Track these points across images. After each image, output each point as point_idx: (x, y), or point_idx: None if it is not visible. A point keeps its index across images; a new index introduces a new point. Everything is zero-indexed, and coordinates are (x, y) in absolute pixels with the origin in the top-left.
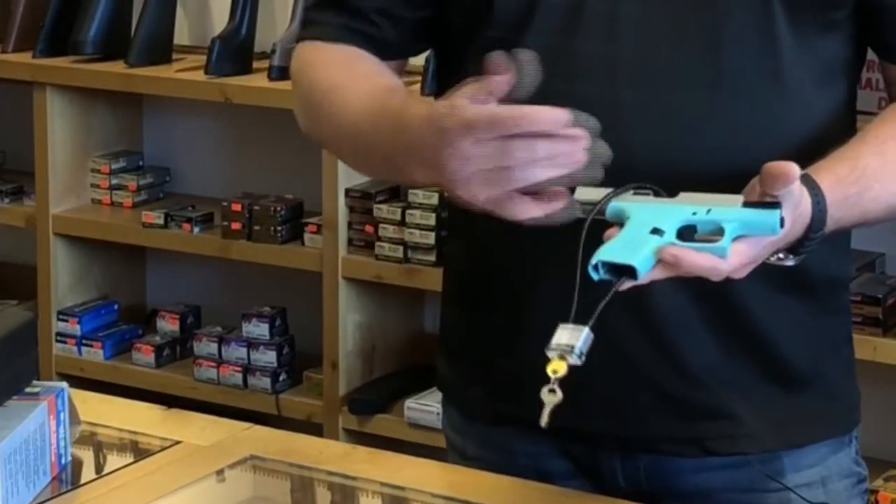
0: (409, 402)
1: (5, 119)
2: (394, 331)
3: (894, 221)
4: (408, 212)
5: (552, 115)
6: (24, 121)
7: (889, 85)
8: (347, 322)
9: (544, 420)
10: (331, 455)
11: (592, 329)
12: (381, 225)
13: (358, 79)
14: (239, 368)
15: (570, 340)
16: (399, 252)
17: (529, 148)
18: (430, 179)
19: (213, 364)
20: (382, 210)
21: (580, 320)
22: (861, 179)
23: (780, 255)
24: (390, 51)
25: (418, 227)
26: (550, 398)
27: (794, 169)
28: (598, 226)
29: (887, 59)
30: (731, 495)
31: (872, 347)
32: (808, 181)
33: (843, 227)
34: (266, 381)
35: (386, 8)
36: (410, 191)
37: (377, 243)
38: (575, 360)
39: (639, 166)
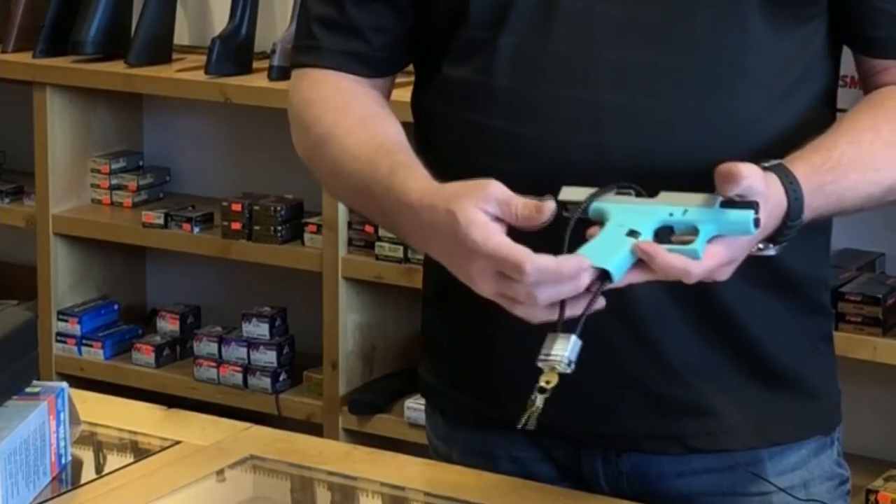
0: (409, 402)
1: (5, 119)
2: (394, 331)
3: (895, 222)
4: None
5: (573, 269)
6: (24, 121)
7: (863, 78)
8: (347, 322)
9: (532, 423)
10: (330, 455)
11: (580, 336)
12: None
13: (350, 131)
14: (239, 368)
15: (560, 351)
16: (399, 252)
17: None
18: (441, 259)
19: (213, 364)
20: None
21: (565, 324)
22: (837, 168)
23: (761, 246)
24: (383, 68)
25: None
26: (541, 404)
27: (740, 169)
28: (583, 225)
29: (860, 51)
30: (713, 499)
31: (872, 347)
32: (783, 170)
33: (822, 216)
34: (266, 381)
35: (378, 23)
36: None
37: (377, 243)
38: (565, 369)
39: (618, 167)
